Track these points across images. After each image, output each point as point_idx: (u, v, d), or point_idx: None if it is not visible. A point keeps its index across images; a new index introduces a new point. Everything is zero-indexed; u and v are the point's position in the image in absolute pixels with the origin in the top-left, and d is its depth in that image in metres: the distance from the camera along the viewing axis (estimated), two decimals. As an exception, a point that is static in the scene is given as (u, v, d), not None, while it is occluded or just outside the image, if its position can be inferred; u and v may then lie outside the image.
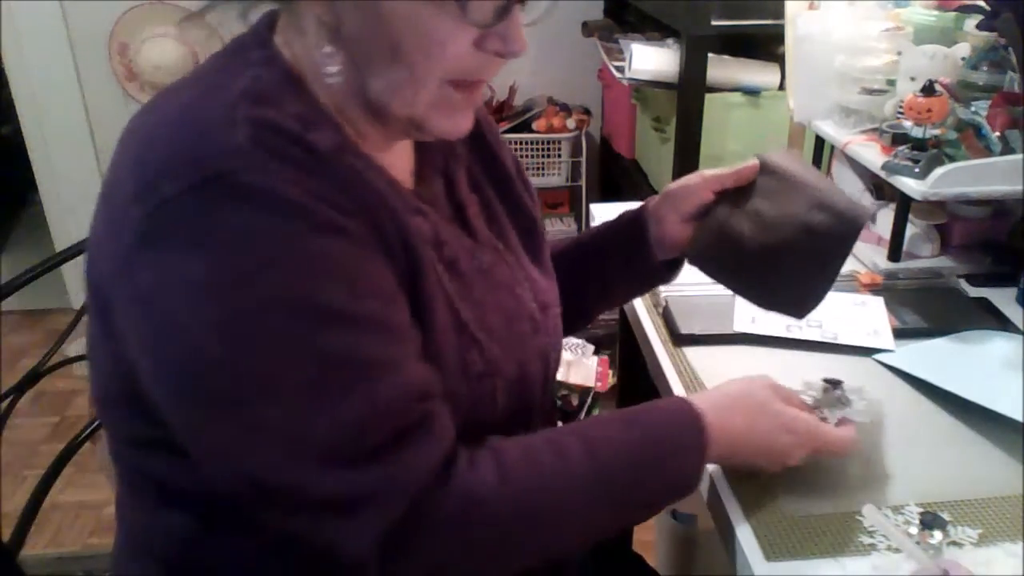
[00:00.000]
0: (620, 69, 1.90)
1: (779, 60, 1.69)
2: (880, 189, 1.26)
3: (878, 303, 1.07)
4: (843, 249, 0.80)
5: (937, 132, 1.08)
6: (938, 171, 1.05)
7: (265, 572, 0.68)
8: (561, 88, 2.58)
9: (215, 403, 0.57)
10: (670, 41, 1.87)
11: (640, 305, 1.10)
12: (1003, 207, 1.21)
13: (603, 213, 1.33)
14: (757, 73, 1.74)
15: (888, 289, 1.12)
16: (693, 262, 0.88)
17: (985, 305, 1.08)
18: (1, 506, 1.52)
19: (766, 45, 1.76)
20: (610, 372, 2.16)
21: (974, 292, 1.12)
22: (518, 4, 0.62)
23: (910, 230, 1.17)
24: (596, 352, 2.21)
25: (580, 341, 2.21)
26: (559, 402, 2.04)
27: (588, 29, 2.29)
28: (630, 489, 0.67)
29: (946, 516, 0.71)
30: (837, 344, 0.98)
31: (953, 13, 1.22)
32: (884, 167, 1.12)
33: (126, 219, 0.57)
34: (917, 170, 1.07)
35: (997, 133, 1.07)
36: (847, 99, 1.27)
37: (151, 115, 0.63)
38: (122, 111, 2.57)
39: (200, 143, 0.57)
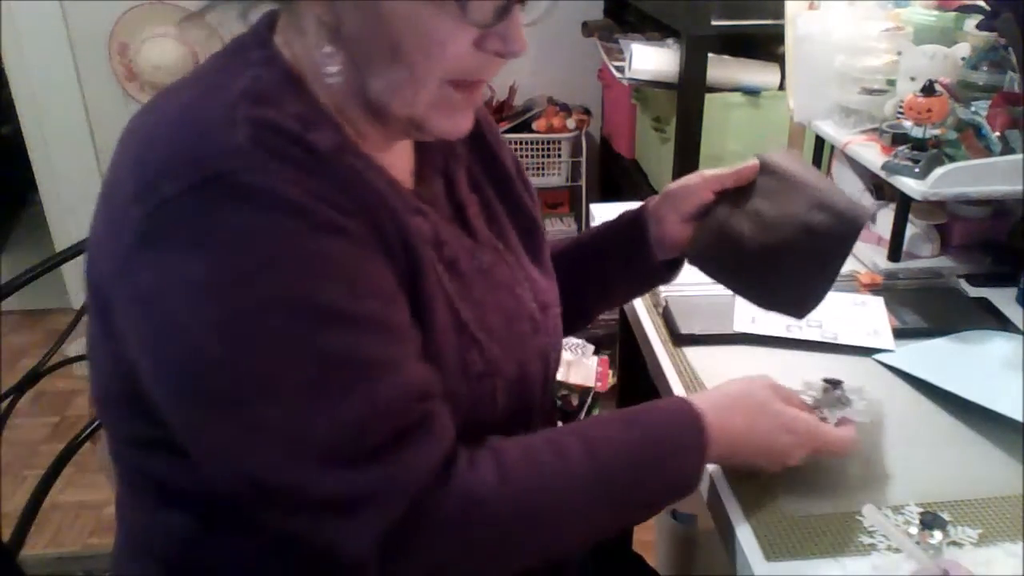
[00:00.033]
0: (620, 69, 1.90)
1: (779, 60, 1.69)
2: (880, 189, 1.26)
3: (878, 303, 1.07)
4: (843, 249, 0.80)
5: (937, 132, 1.08)
6: (938, 171, 1.05)
7: (265, 572, 0.68)
8: (561, 88, 2.58)
9: (215, 403, 0.57)
10: (670, 41, 1.87)
11: (640, 305, 1.10)
12: (1003, 207, 1.21)
13: (603, 213, 1.33)
14: (757, 73, 1.74)
15: (888, 289, 1.12)
16: (693, 262, 0.88)
17: (985, 305, 1.08)
18: (1, 506, 1.52)
19: (766, 45, 1.76)
20: (610, 372, 2.16)
21: (974, 292, 1.12)
22: (518, 4, 0.62)
23: (910, 230, 1.17)
24: (596, 352, 2.21)
25: (580, 341, 2.21)
26: (559, 402, 2.04)
27: (588, 29, 2.29)
28: (630, 489, 0.67)
29: (946, 516, 0.71)
30: (837, 344, 0.98)
31: (953, 13, 1.22)
32: (884, 167, 1.12)
33: (126, 219, 0.57)
34: (917, 170, 1.07)
35: (997, 133, 1.07)
36: (847, 99, 1.27)
37: (151, 115, 0.63)
38: (122, 111, 2.57)
39: (200, 143, 0.57)
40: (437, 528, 0.59)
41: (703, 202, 0.86)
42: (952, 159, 1.08)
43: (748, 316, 1.02)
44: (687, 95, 1.68)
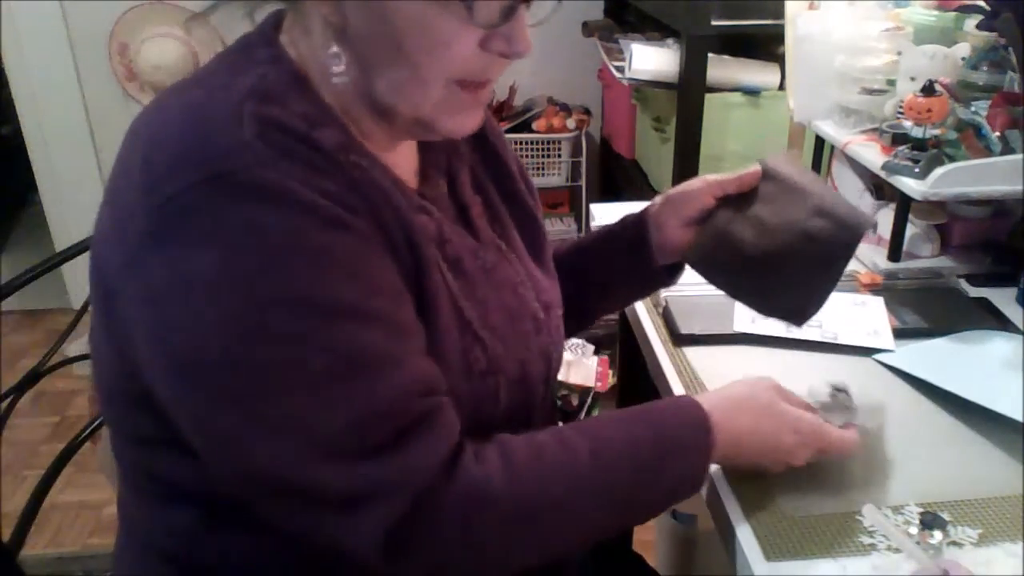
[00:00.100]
0: (620, 69, 1.90)
1: (779, 60, 1.69)
2: (880, 189, 1.26)
3: (878, 303, 1.07)
4: (843, 257, 0.80)
5: (937, 132, 1.08)
6: (938, 171, 1.05)
7: (269, 569, 0.68)
8: (561, 88, 2.58)
9: (221, 397, 0.57)
10: (670, 41, 1.87)
11: (640, 305, 1.10)
12: (1003, 207, 1.21)
13: (603, 213, 1.34)
14: (757, 73, 1.74)
15: (888, 289, 1.12)
16: (693, 266, 0.88)
17: (985, 305, 1.08)
18: (1, 506, 1.52)
19: (766, 45, 1.76)
20: (610, 372, 2.16)
21: (974, 292, 1.12)
22: (523, 5, 0.62)
23: (910, 230, 1.17)
24: (596, 352, 2.21)
25: (580, 341, 2.21)
26: (559, 402, 2.05)
27: (588, 29, 2.29)
28: (635, 487, 0.67)
29: (946, 516, 0.71)
30: (837, 344, 0.98)
31: (953, 13, 1.22)
32: (884, 167, 1.12)
33: (134, 215, 0.58)
34: (917, 170, 1.07)
35: (997, 133, 1.07)
36: (847, 99, 1.27)
37: (158, 113, 0.63)
38: (122, 111, 2.57)
39: (208, 140, 0.57)
40: (443, 523, 0.59)
41: (704, 207, 0.86)
42: (952, 159, 1.08)
43: (748, 316, 1.01)
44: (687, 95, 1.68)
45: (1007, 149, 1.06)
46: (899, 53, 1.20)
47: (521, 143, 2.42)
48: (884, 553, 0.68)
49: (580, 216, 2.58)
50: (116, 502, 0.78)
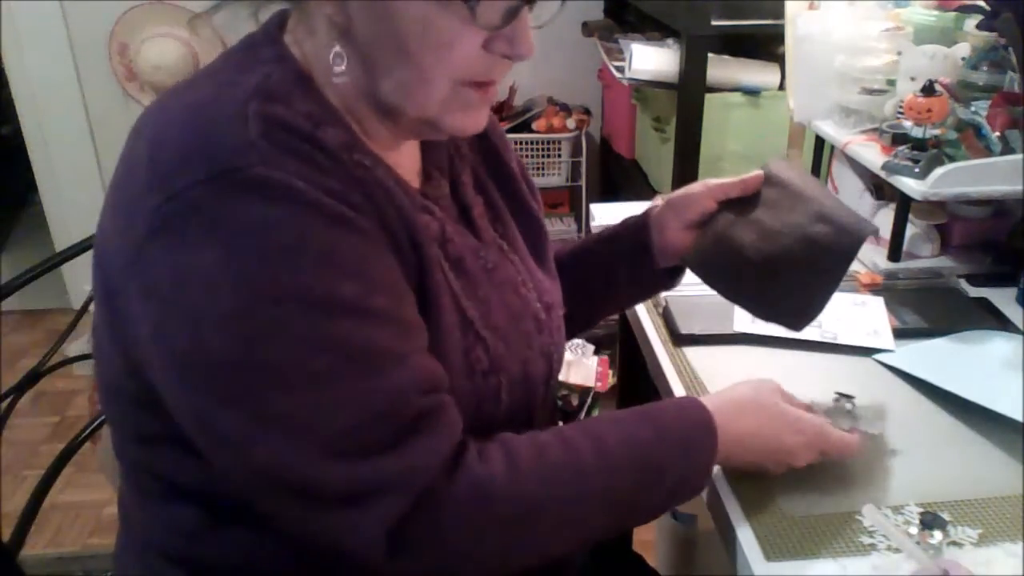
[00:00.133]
0: (620, 69, 1.90)
1: (779, 60, 1.69)
2: (880, 189, 1.26)
3: (878, 303, 1.07)
4: (843, 262, 0.80)
5: (937, 132, 1.08)
6: (938, 171, 1.05)
7: (270, 567, 0.68)
8: (561, 88, 2.58)
9: (225, 393, 0.57)
10: (670, 41, 1.87)
11: (640, 305, 1.10)
12: (1003, 207, 1.21)
13: (603, 213, 1.34)
14: (757, 73, 1.74)
15: (888, 289, 1.13)
16: (693, 270, 0.88)
17: (985, 305, 1.08)
18: (1, 506, 1.52)
19: (766, 45, 1.76)
20: (610, 372, 2.16)
21: (974, 292, 1.12)
22: (526, 7, 0.62)
23: (910, 230, 1.17)
24: (596, 352, 2.21)
25: (580, 341, 2.21)
26: (559, 402, 2.05)
27: (588, 29, 2.29)
28: (637, 488, 0.67)
29: (946, 516, 0.71)
30: (837, 344, 0.98)
31: (953, 13, 1.22)
32: (884, 167, 1.12)
33: (139, 212, 0.58)
34: (917, 170, 1.07)
35: (997, 133, 1.07)
36: (847, 99, 1.27)
37: (162, 112, 0.63)
38: (122, 111, 2.57)
39: (213, 138, 0.58)
40: (445, 522, 0.60)
41: (706, 210, 0.87)
42: (952, 159, 1.08)
43: (748, 316, 1.01)
44: (687, 95, 1.68)
45: (1007, 149, 1.06)
46: (899, 53, 1.20)
47: (521, 143, 2.42)
48: (884, 553, 0.68)
49: (580, 216, 2.58)
50: (116, 502, 0.78)
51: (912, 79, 1.14)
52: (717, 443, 0.70)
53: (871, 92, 1.24)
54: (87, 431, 1.09)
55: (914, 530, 0.69)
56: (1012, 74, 1.10)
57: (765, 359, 0.97)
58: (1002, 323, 1.03)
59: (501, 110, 2.47)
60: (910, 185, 1.07)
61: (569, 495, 0.64)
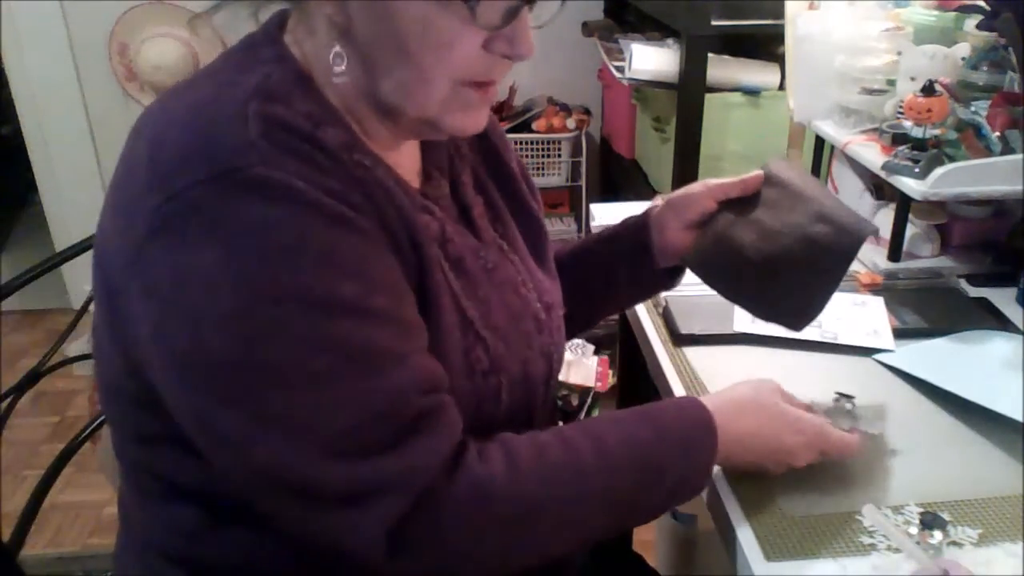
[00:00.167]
0: (620, 69, 1.90)
1: (779, 60, 1.69)
2: (880, 189, 1.26)
3: (878, 303, 1.07)
4: (843, 262, 0.80)
5: (937, 132, 1.08)
6: (938, 171, 1.05)
7: (270, 567, 0.68)
8: (561, 88, 2.58)
9: (223, 395, 0.57)
10: (670, 41, 1.87)
11: (640, 305, 1.10)
12: (1003, 207, 1.21)
13: (603, 213, 1.34)
14: (757, 73, 1.74)
15: (888, 289, 1.13)
16: (693, 270, 0.88)
17: (985, 305, 1.08)
18: (1, 506, 1.53)
19: (766, 45, 1.76)
20: (610, 372, 2.16)
21: (974, 292, 1.12)
22: (525, 7, 0.62)
23: (910, 230, 1.17)
24: (596, 352, 2.21)
25: (580, 341, 2.21)
26: (559, 402, 2.05)
27: (588, 29, 2.29)
28: (638, 488, 0.67)
29: (946, 516, 0.71)
30: (837, 344, 0.98)
31: (953, 13, 1.22)
32: (884, 167, 1.12)
33: (139, 212, 0.58)
34: (917, 170, 1.07)
35: (997, 133, 1.07)
36: (847, 99, 1.27)
37: (162, 113, 0.63)
38: (122, 111, 2.57)
39: (213, 138, 0.58)
40: (445, 522, 0.60)
41: (706, 210, 0.87)
42: (952, 159, 1.08)
43: (748, 316, 1.01)
44: (687, 95, 1.68)
45: (1007, 149, 1.06)
46: (899, 53, 1.20)
47: (521, 143, 2.42)
48: (884, 553, 0.68)
49: (580, 216, 2.58)
50: (116, 502, 0.78)
51: (912, 79, 1.14)
52: (717, 443, 0.70)
53: (871, 92, 1.24)
54: (87, 431, 1.09)
55: (914, 530, 0.69)
56: (1012, 74, 1.10)
57: (765, 359, 0.97)
58: (1002, 323, 1.03)
59: (501, 110, 2.47)
60: (910, 185, 1.07)
61: (569, 495, 0.64)
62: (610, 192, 2.62)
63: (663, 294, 1.07)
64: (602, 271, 0.94)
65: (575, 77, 2.59)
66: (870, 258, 1.19)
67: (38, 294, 2.55)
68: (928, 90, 1.06)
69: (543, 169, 2.49)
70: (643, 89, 1.98)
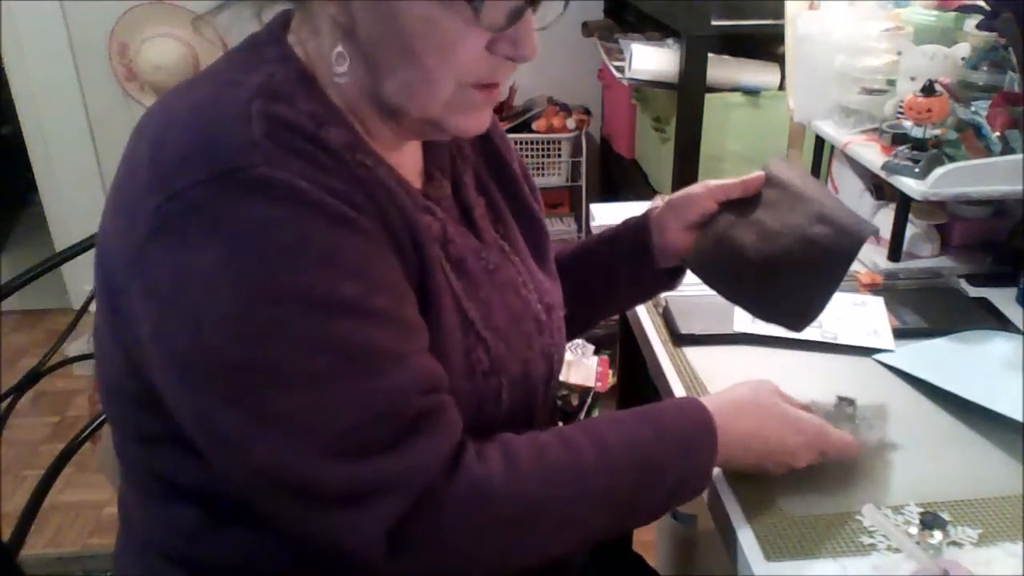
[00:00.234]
0: (620, 69, 1.90)
1: (779, 60, 1.69)
2: (880, 189, 1.26)
3: (878, 303, 1.07)
4: (844, 263, 0.80)
5: (937, 132, 1.08)
6: (938, 171, 1.05)
7: (270, 567, 0.68)
8: (561, 88, 2.58)
9: (224, 395, 0.57)
10: (670, 41, 1.87)
11: (640, 305, 1.10)
12: (1003, 207, 1.21)
13: (603, 213, 1.34)
14: (757, 73, 1.74)
15: (888, 289, 1.13)
16: (694, 270, 0.88)
17: (985, 305, 1.08)
18: (1, 506, 1.53)
19: (766, 45, 1.76)
20: (610, 372, 2.16)
21: (974, 292, 1.12)
22: (529, 8, 0.62)
23: (910, 230, 1.17)
24: (596, 352, 2.21)
25: (580, 341, 2.21)
26: (559, 402, 2.05)
27: (588, 29, 2.29)
28: (638, 488, 0.67)
29: (946, 516, 0.71)
30: (837, 344, 0.98)
31: (953, 13, 1.22)
32: (884, 167, 1.12)
33: (141, 211, 0.58)
34: (917, 170, 1.07)
35: (997, 133, 1.07)
36: (847, 99, 1.27)
37: (164, 113, 0.63)
38: (122, 111, 2.57)
39: (216, 137, 0.58)
40: (444, 522, 0.60)
41: (706, 211, 0.87)
42: (952, 159, 1.08)
43: (748, 316, 1.01)
44: (687, 95, 1.68)
45: (1007, 149, 1.06)
46: (899, 53, 1.20)
47: (521, 143, 2.42)
48: (884, 553, 0.68)
49: (580, 216, 2.58)
50: (116, 502, 0.78)
51: (912, 79, 1.14)
52: (717, 443, 0.70)
53: (871, 92, 1.24)
54: (87, 431, 1.09)
55: (914, 530, 0.69)
56: (1012, 74, 1.10)
57: (765, 359, 0.97)
58: (1002, 323, 1.03)
59: (501, 110, 2.47)
60: (910, 185, 1.07)
61: (569, 495, 0.64)
62: (610, 192, 2.62)
63: (663, 294, 1.07)
64: (602, 272, 0.94)
65: (575, 77, 2.59)
66: (870, 258, 1.19)
67: (38, 294, 2.55)
68: (928, 90, 1.06)
69: (543, 169, 2.49)
70: (643, 89, 1.98)
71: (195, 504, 0.68)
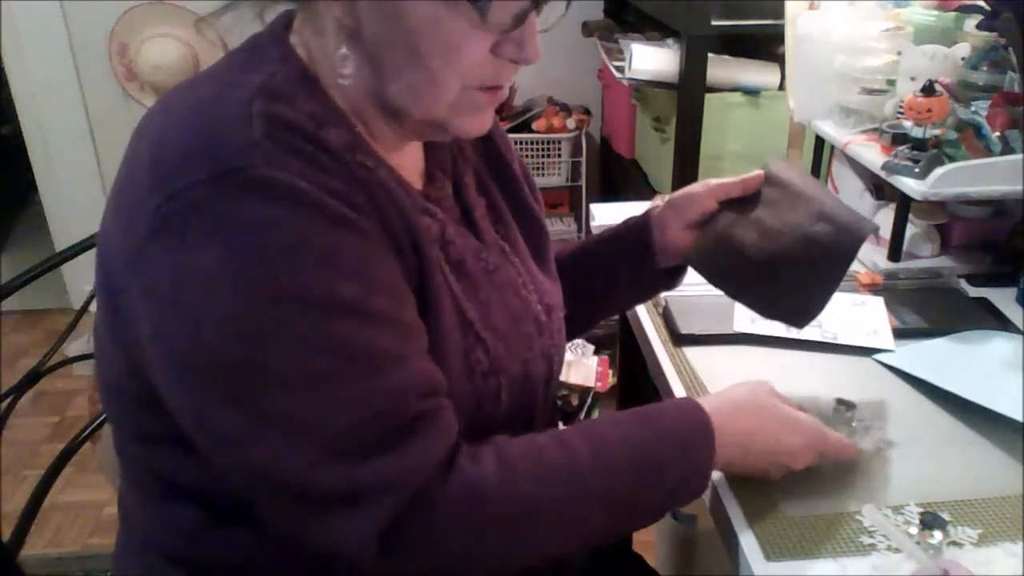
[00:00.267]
0: (620, 69, 1.90)
1: (779, 60, 1.69)
2: (880, 189, 1.26)
3: (878, 303, 1.07)
4: (844, 261, 0.80)
5: (937, 132, 1.08)
6: (938, 171, 1.05)
7: (270, 566, 0.68)
8: (561, 88, 2.58)
9: (222, 395, 0.57)
10: (670, 41, 1.87)
11: (640, 305, 1.10)
12: (1003, 207, 1.21)
13: (603, 213, 1.34)
14: (757, 73, 1.74)
15: (888, 289, 1.13)
16: (695, 268, 0.88)
17: (985, 305, 1.08)
18: (1, 506, 1.53)
19: (766, 45, 1.76)
20: (610, 372, 2.16)
21: (974, 292, 1.12)
22: (534, 10, 0.62)
23: (910, 230, 1.17)
24: (596, 352, 2.21)
25: (580, 341, 2.21)
26: (559, 402, 2.05)
27: (588, 29, 2.29)
28: (636, 489, 0.67)
29: (946, 516, 0.71)
30: (837, 344, 0.98)
31: (953, 13, 1.22)
32: (884, 167, 1.12)
33: (142, 211, 0.58)
34: (917, 170, 1.07)
35: (997, 133, 1.07)
36: (847, 99, 1.27)
37: (165, 113, 0.63)
38: (122, 111, 2.57)
39: (216, 137, 0.58)
40: (439, 521, 0.60)
41: (706, 210, 0.87)
42: (952, 159, 1.08)
43: (748, 316, 1.01)
44: (687, 95, 1.68)
45: (1007, 149, 1.06)
46: (899, 53, 1.20)
47: (521, 143, 2.42)
48: (884, 553, 0.68)
49: (580, 216, 2.58)
50: (116, 502, 0.78)
51: (912, 79, 1.14)
52: (715, 444, 0.70)
53: (871, 92, 1.24)
54: (87, 431, 1.09)
55: (914, 530, 0.69)
56: (1012, 74, 1.10)
57: (765, 359, 0.97)
58: (1002, 323, 1.03)
59: (501, 110, 2.47)
60: (910, 185, 1.07)
61: (567, 495, 0.64)
62: (610, 192, 2.62)
63: (663, 294, 1.07)
64: (603, 271, 0.94)
65: (575, 77, 2.59)
66: (870, 258, 1.19)
67: (38, 294, 2.55)
68: (928, 90, 1.06)
69: (543, 169, 2.49)
70: (643, 89, 1.98)
71: (195, 504, 0.68)
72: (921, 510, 0.72)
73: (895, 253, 1.17)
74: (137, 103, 2.55)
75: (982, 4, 1.15)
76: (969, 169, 1.05)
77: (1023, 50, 1.05)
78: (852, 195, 1.30)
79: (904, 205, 1.14)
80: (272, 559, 0.67)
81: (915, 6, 1.28)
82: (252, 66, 0.63)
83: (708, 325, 1.02)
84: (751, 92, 1.72)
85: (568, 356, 2.12)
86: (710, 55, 1.67)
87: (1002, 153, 1.07)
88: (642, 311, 1.09)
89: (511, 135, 2.36)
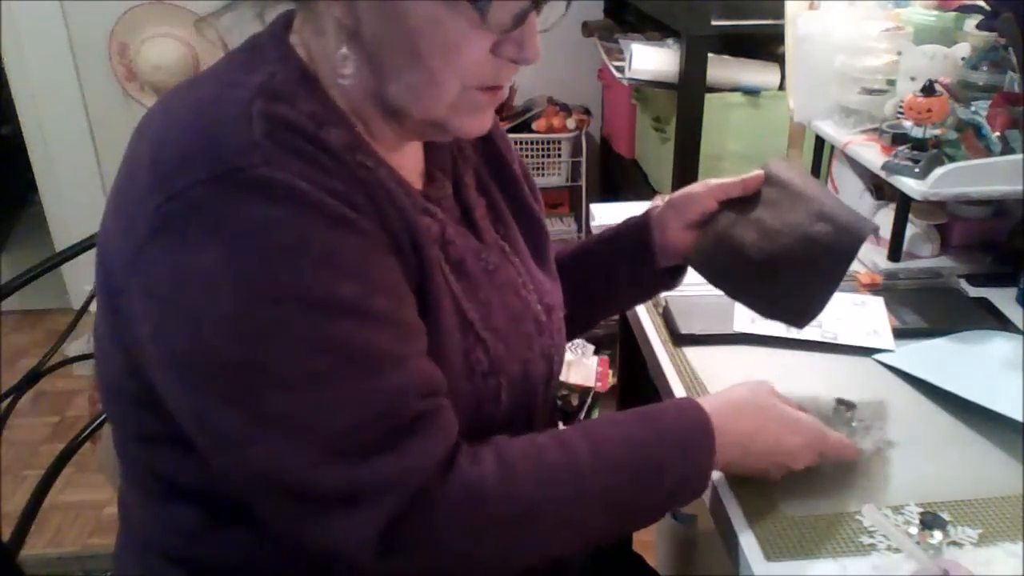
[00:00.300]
0: (620, 69, 1.90)
1: (779, 60, 1.69)
2: (880, 189, 1.26)
3: (878, 303, 1.07)
4: (844, 260, 0.80)
5: (937, 132, 1.08)
6: (938, 171, 1.05)
7: (270, 566, 0.68)
8: (561, 88, 2.58)
9: (222, 395, 0.57)
10: (670, 41, 1.87)
11: (640, 305, 1.10)
12: (1003, 207, 1.21)
13: (603, 213, 1.34)
14: (757, 73, 1.74)
15: (888, 289, 1.13)
16: (695, 268, 0.88)
17: (985, 305, 1.08)
18: (1, 506, 1.52)
19: (766, 45, 1.76)
20: (610, 372, 2.16)
21: (974, 292, 1.12)
22: (534, 10, 0.62)
23: (910, 230, 1.17)
24: (596, 352, 2.21)
25: (580, 341, 2.21)
26: (559, 402, 2.05)
27: (588, 29, 2.29)
28: (636, 489, 0.67)
29: (946, 516, 0.71)
30: (837, 344, 0.98)
31: (953, 13, 1.22)
32: (884, 167, 1.12)
33: (142, 211, 0.58)
34: (917, 170, 1.07)
35: (997, 133, 1.07)
36: (847, 99, 1.27)
37: (165, 113, 0.63)
38: (122, 111, 2.57)
39: (216, 137, 0.58)
40: (438, 520, 0.60)
41: (706, 210, 0.87)
42: (952, 159, 1.08)
43: (748, 316, 1.01)
44: (687, 95, 1.68)
45: (1007, 149, 1.06)
46: (899, 53, 1.20)
47: (521, 143, 2.42)
48: (884, 553, 0.68)
49: (580, 216, 2.58)
50: (116, 502, 0.78)
51: (912, 79, 1.14)
52: (715, 444, 0.70)
53: (871, 92, 1.24)
54: (87, 431, 1.09)
55: (914, 530, 0.69)
56: (1012, 74, 1.10)
57: (765, 359, 0.97)
58: (1002, 323, 1.03)
59: (501, 110, 2.47)
60: (910, 185, 1.07)
61: (567, 495, 0.64)
62: (610, 192, 2.62)
63: (663, 294, 1.07)
64: (603, 271, 0.94)
65: (575, 77, 2.59)
66: (870, 258, 1.19)
67: (38, 294, 2.55)
68: (928, 90, 1.06)
69: (543, 169, 2.49)
70: (643, 89, 1.98)
71: (195, 504, 0.68)
72: (921, 510, 0.72)
73: (895, 253, 1.17)
74: (137, 103, 2.55)
75: (982, 4, 1.15)
76: (969, 169, 1.05)
77: (1023, 50, 1.05)
78: (852, 195, 1.30)
79: (904, 205, 1.14)
80: (272, 559, 0.67)
81: (915, 6, 1.28)
82: (252, 66, 0.64)
83: (708, 325, 1.02)
84: (751, 92, 1.72)
85: (568, 356, 2.12)
86: (710, 55, 1.67)
87: (1002, 153, 1.07)
88: (642, 311, 1.09)
89: (511, 135, 2.36)
